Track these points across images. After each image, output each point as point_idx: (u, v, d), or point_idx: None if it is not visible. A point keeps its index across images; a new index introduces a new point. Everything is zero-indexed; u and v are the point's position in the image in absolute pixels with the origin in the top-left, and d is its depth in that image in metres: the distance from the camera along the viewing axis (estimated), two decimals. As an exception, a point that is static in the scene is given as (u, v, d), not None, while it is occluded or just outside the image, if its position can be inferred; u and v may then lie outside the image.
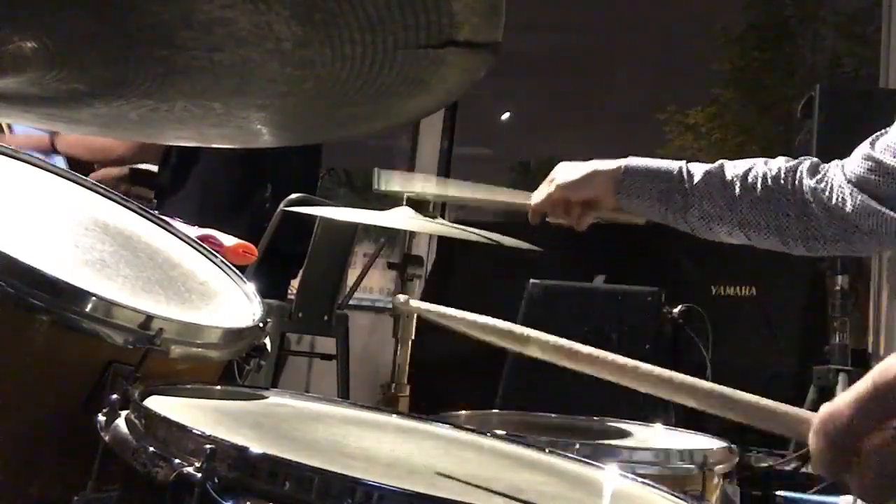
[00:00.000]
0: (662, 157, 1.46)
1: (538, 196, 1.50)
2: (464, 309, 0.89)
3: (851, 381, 2.89)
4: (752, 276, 3.36)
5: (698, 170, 1.40)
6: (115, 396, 0.81)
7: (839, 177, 1.31)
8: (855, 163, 1.29)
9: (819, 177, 1.34)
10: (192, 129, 0.85)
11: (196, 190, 2.83)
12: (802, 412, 0.71)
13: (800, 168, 1.36)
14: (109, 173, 2.95)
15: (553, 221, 1.52)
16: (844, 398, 0.67)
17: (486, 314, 0.85)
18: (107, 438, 0.77)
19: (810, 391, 2.90)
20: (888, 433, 0.64)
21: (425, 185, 1.64)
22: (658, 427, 1.64)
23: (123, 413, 0.79)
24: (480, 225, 1.75)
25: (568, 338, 0.81)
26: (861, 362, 3.12)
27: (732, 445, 1.48)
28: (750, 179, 1.36)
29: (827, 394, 2.84)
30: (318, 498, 0.63)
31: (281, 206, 2.70)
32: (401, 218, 1.54)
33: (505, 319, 0.85)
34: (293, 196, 2.71)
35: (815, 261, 3.13)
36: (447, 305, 0.92)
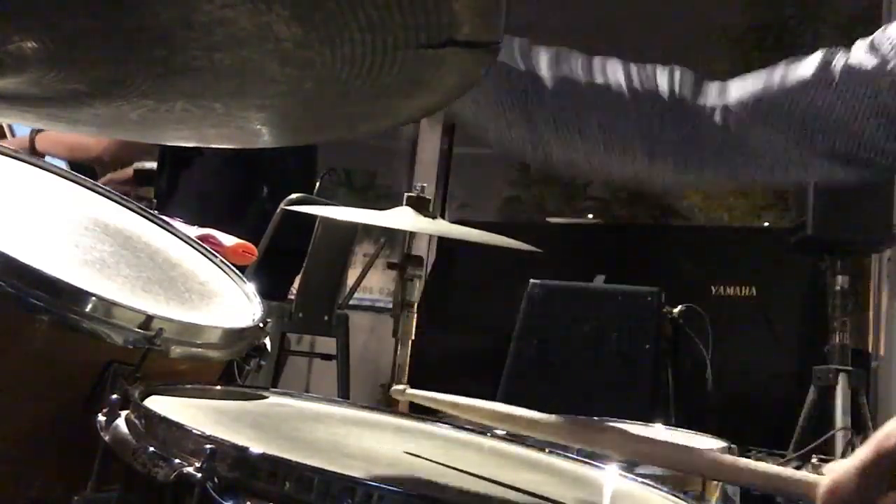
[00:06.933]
0: None
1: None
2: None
3: (851, 381, 2.90)
4: (752, 276, 3.36)
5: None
6: (115, 396, 0.80)
7: (733, 94, 1.16)
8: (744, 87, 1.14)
9: (706, 88, 1.18)
10: (192, 129, 0.85)
11: (192, 193, 2.83)
12: (809, 477, 0.71)
13: (676, 74, 1.17)
14: (115, 178, 2.97)
15: None
16: (850, 465, 0.67)
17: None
18: (107, 438, 0.77)
19: (810, 391, 2.90)
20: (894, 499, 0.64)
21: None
22: (658, 427, 1.64)
23: (123, 413, 0.79)
24: (480, 225, 1.75)
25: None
26: (861, 362, 3.12)
27: (732, 445, 1.48)
28: (613, 81, 1.13)
29: (827, 394, 2.84)
30: (318, 498, 0.63)
31: (281, 205, 2.70)
32: (401, 218, 1.54)
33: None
34: (293, 196, 2.71)
35: (815, 261, 3.13)
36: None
